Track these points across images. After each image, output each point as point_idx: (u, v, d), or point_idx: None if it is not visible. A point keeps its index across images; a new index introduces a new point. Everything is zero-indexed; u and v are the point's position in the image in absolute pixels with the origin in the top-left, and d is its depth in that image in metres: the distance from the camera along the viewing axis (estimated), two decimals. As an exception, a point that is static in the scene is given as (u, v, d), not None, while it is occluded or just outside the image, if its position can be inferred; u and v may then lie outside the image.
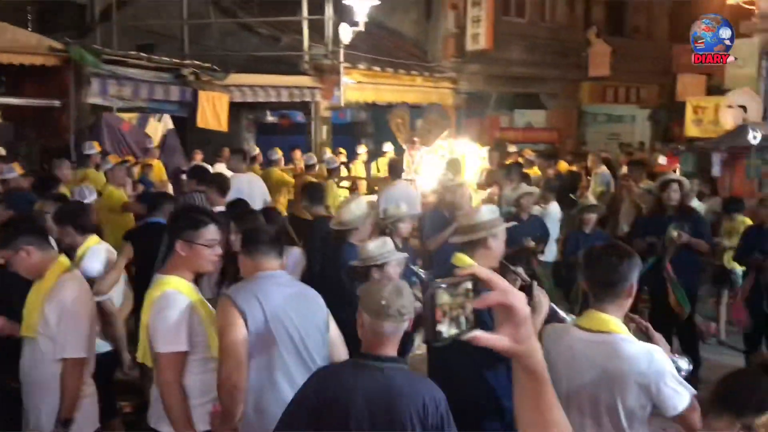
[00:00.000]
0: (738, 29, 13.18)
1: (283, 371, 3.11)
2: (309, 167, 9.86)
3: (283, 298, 3.18)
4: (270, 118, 14.97)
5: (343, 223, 4.93)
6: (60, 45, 9.69)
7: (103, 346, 4.29)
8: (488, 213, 3.47)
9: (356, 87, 13.36)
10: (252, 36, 14.02)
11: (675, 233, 6.14)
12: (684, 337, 6.43)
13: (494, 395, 3.32)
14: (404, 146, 12.88)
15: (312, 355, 3.19)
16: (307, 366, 3.15)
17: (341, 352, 3.35)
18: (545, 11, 17.58)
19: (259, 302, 3.09)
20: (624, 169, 11.90)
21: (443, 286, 1.16)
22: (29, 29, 12.03)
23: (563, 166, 12.49)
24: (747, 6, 12.50)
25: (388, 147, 12.86)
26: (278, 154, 10.72)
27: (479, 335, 1.18)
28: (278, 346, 3.10)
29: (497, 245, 3.45)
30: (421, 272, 4.82)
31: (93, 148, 9.17)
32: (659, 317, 6.64)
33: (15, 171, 7.62)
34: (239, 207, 5.33)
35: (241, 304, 3.07)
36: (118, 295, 4.81)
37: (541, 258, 7.09)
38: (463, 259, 3.39)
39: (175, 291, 3.12)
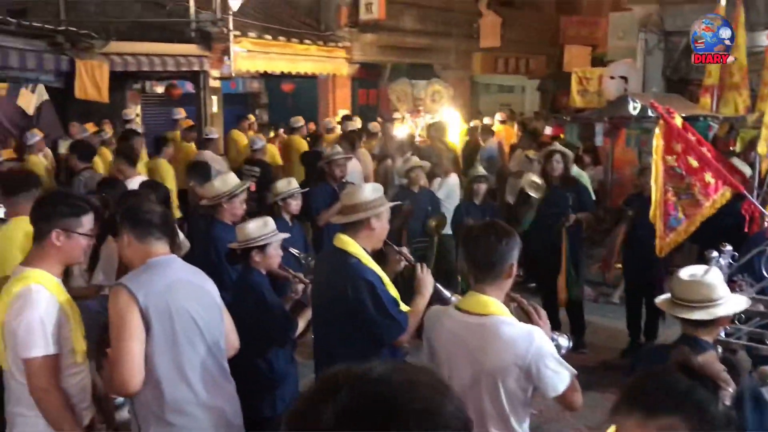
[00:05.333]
0: (619, 3, 13.70)
1: (191, 365, 2.88)
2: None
3: (184, 286, 2.92)
4: (157, 88, 14.31)
5: (207, 200, 4.77)
6: None
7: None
8: (371, 192, 3.36)
9: (247, 56, 12.94)
10: (134, 2, 13.25)
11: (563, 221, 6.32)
12: (570, 304, 6.65)
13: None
14: (407, 116, 13.16)
15: (218, 344, 3.02)
16: (214, 356, 2.98)
17: (233, 339, 3.20)
18: (438, -19, 17.58)
19: (160, 294, 2.79)
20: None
21: None
22: None
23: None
24: (627, -20, 12.93)
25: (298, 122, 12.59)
26: (301, 122, 10.97)
27: None
28: (185, 339, 2.86)
29: (381, 226, 3.36)
30: (295, 252, 4.70)
31: (36, 136, 8.98)
32: (544, 287, 6.88)
33: None
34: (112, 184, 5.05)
35: (141, 297, 2.74)
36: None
37: (444, 232, 7.12)
38: (344, 240, 3.30)
39: (41, 287, 2.79)
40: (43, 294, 2.79)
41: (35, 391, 2.77)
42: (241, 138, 11.34)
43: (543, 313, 2.85)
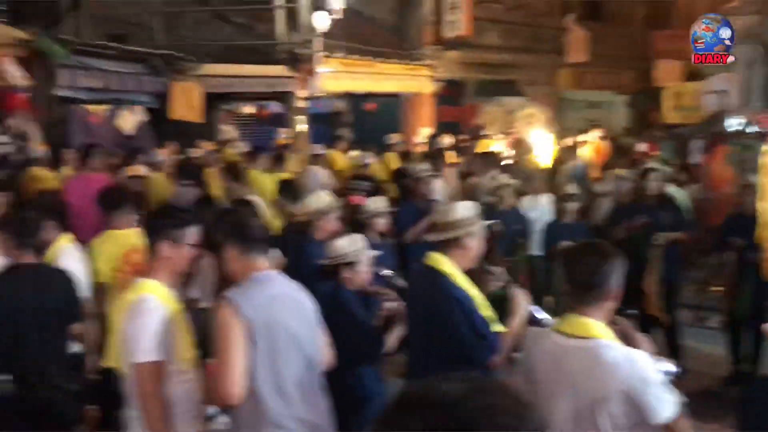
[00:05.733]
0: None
1: (289, 379, 2.95)
2: None
3: (284, 301, 3.01)
4: (247, 108, 14.75)
5: (300, 216, 4.85)
6: (28, 36, 9.38)
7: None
8: (465, 210, 3.32)
9: (332, 76, 13.17)
10: (226, 25, 13.74)
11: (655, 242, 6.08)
12: (667, 328, 6.37)
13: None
14: (497, 136, 13.29)
15: (315, 360, 3.08)
16: (311, 371, 3.04)
17: (327, 354, 3.23)
18: (523, -3, 17.45)
19: (263, 308, 2.89)
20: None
21: None
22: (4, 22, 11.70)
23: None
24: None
25: (393, 139, 12.47)
26: (395, 138, 11.42)
27: None
28: (284, 354, 2.94)
29: (474, 244, 3.31)
30: (383, 271, 4.68)
31: (159, 155, 9.44)
32: (637, 308, 6.60)
33: None
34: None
35: (246, 311, 2.85)
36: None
37: (534, 252, 6.96)
38: (436, 258, 3.26)
39: (153, 296, 2.98)
40: (154, 303, 2.95)
41: (139, 395, 2.91)
42: (339, 157, 11.43)
43: (645, 339, 2.72)
